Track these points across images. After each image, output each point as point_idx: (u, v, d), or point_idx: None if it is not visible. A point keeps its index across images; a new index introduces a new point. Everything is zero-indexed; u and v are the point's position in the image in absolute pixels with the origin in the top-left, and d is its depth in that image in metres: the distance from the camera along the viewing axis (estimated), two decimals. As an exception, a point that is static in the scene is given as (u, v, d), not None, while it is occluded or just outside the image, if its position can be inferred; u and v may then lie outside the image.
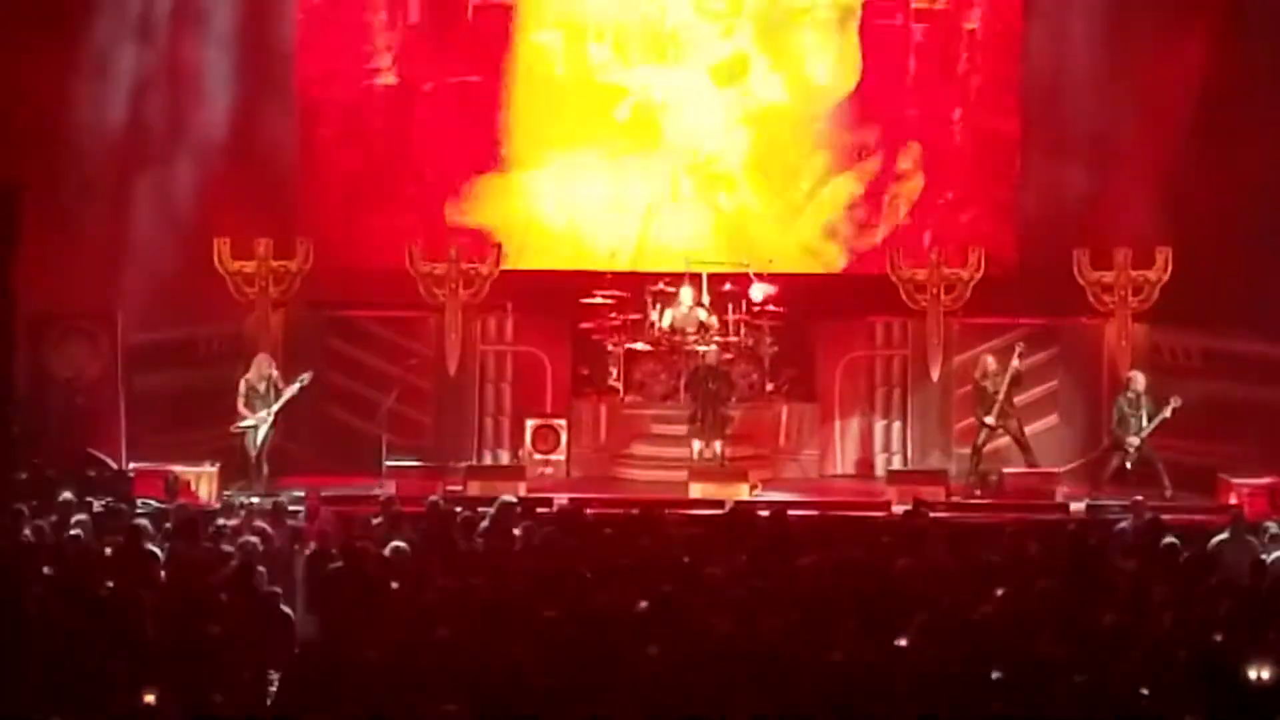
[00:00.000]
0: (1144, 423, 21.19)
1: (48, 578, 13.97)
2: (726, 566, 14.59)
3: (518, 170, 24.19)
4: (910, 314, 23.31)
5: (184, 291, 23.05)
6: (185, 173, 23.13)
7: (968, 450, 22.10)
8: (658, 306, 23.15)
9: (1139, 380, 21.53)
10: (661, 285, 23.16)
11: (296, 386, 21.17)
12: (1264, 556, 15.67)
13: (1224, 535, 16.75)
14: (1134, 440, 21.20)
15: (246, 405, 21.25)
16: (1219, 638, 12.52)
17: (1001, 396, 21.55)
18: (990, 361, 21.79)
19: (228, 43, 23.50)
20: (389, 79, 24.08)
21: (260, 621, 13.02)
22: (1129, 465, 21.28)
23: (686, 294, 23.01)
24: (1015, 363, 21.62)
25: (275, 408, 21.19)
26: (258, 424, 21.17)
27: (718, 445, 21.78)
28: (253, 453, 21.17)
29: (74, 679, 10.96)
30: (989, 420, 21.62)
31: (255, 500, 19.20)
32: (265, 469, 21.15)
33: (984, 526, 17.59)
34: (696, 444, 21.83)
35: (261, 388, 21.27)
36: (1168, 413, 21.10)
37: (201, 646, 11.78)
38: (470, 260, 23.10)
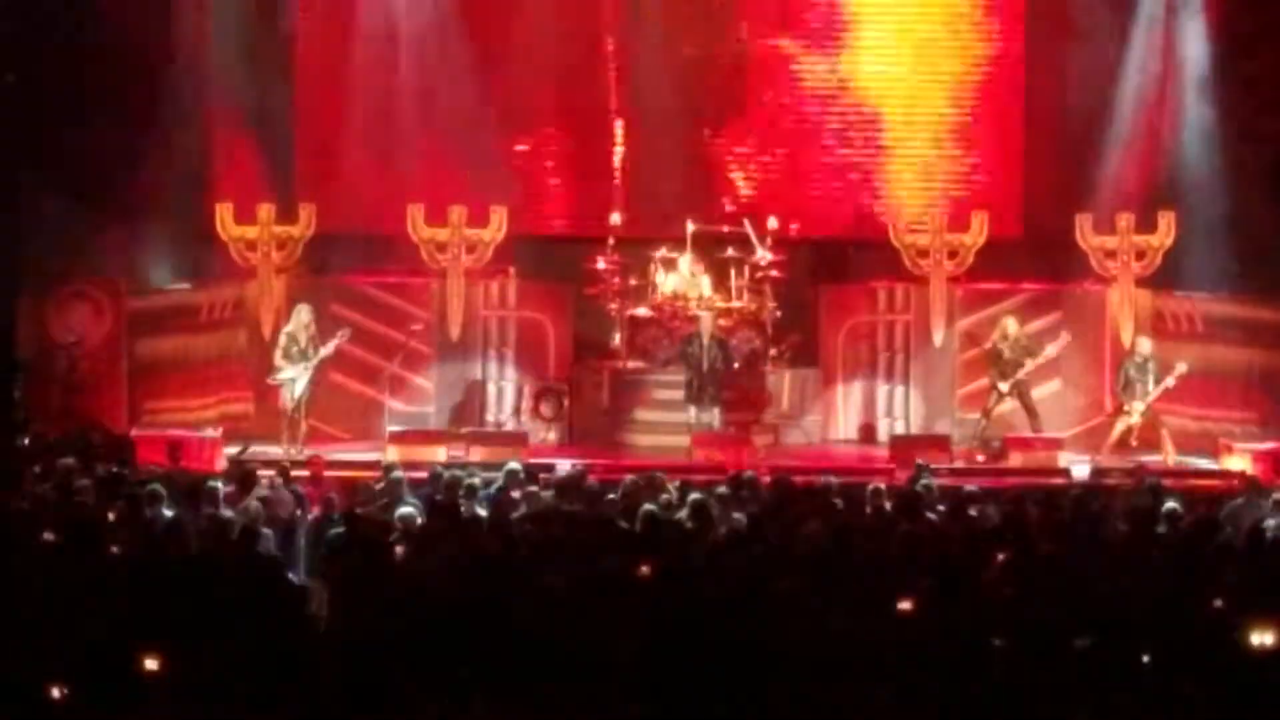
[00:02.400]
0: (1149, 388, 21.17)
1: (49, 544, 13.96)
2: (727, 532, 14.59)
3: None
4: (913, 279, 23.32)
5: (186, 257, 23.08)
6: (188, 137, 23.09)
7: (970, 415, 22.11)
8: (660, 272, 23.16)
9: (1145, 345, 21.52)
10: (664, 250, 23.16)
11: (334, 344, 21.15)
12: (1270, 522, 15.66)
13: (1238, 500, 16.72)
14: (1138, 405, 21.18)
15: (285, 357, 21.21)
16: (1221, 603, 12.51)
17: (1024, 370, 21.54)
18: (1010, 324, 21.73)
19: (230, 7, 23.46)
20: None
21: (263, 587, 13.01)
22: (1133, 430, 21.28)
23: (687, 260, 23.01)
24: (1051, 351, 21.63)
25: (314, 363, 21.17)
26: (296, 377, 21.16)
27: (716, 411, 21.78)
28: (289, 406, 21.18)
29: (75, 645, 10.96)
30: (1003, 386, 21.59)
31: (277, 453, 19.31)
32: (302, 424, 21.19)
33: (986, 492, 17.57)
34: (693, 410, 21.81)
35: (303, 340, 21.20)
36: (1172, 381, 21.09)
37: (204, 612, 11.77)
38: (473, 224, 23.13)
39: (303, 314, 21.43)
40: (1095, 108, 23.50)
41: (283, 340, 21.35)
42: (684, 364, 22.01)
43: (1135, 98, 23.43)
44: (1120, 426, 21.36)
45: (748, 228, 23.09)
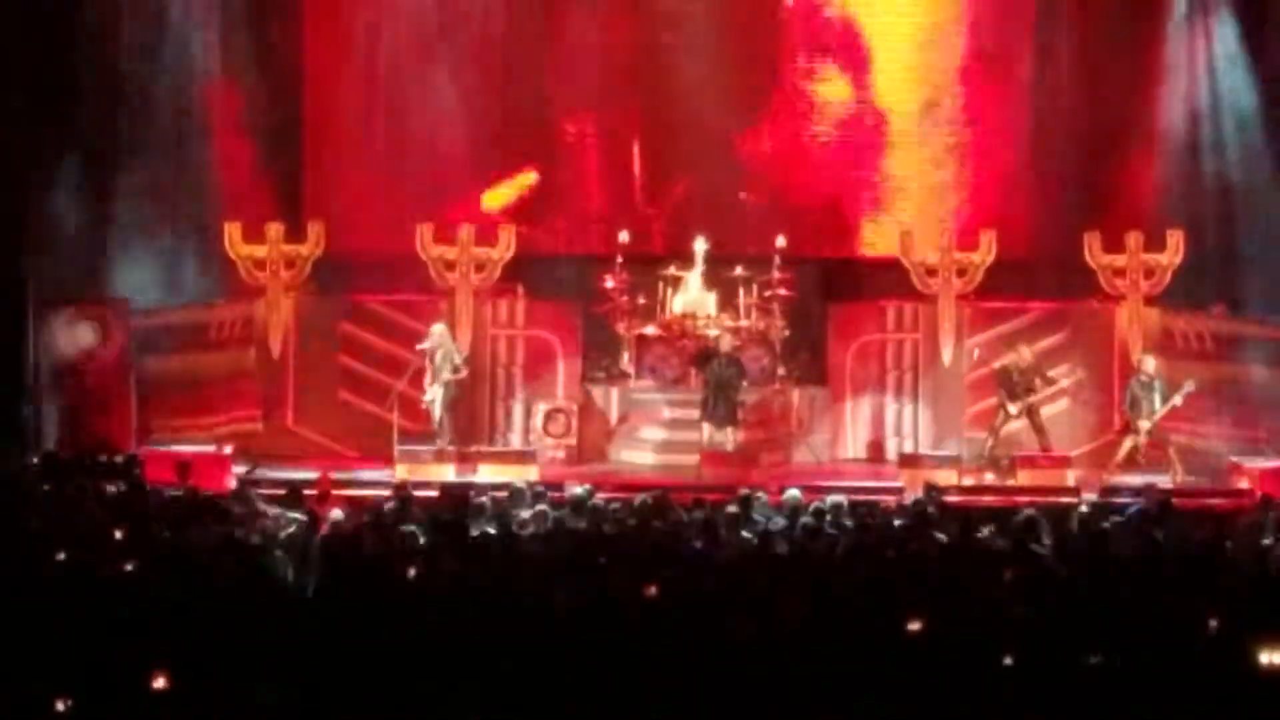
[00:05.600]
0: (1156, 406, 21.17)
1: (59, 562, 13.97)
2: (738, 552, 14.59)
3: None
4: (922, 297, 23.30)
5: (195, 275, 23.10)
6: (196, 156, 23.14)
7: (979, 434, 22.08)
8: (668, 290, 23.15)
9: (1150, 364, 21.52)
10: (672, 269, 23.15)
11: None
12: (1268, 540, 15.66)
13: (1250, 519, 16.67)
14: (1145, 424, 21.17)
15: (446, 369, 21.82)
16: (1231, 622, 12.50)
17: (1036, 397, 21.58)
18: (1026, 353, 21.72)
19: (239, 25, 23.51)
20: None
21: (272, 605, 13.00)
22: (1140, 449, 21.26)
23: (696, 278, 23.00)
24: (1064, 384, 21.73)
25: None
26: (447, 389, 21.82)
27: (729, 431, 21.77)
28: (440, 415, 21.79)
29: (84, 663, 10.96)
30: (1013, 409, 21.58)
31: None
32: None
33: (996, 510, 17.55)
34: (707, 429, 21.80)
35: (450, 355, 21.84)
36: (1179, 399, 21.09)
37: (212, 630, 11.77)
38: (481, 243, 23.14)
39: (447, 331, 21.99)
40: (1103, 125, 23.52)
41: (438, 357, 21.77)
42: (703, 381, 21.97)
43: (1145, 114, 23.47)
44: (1127, 445, 21.35)
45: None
